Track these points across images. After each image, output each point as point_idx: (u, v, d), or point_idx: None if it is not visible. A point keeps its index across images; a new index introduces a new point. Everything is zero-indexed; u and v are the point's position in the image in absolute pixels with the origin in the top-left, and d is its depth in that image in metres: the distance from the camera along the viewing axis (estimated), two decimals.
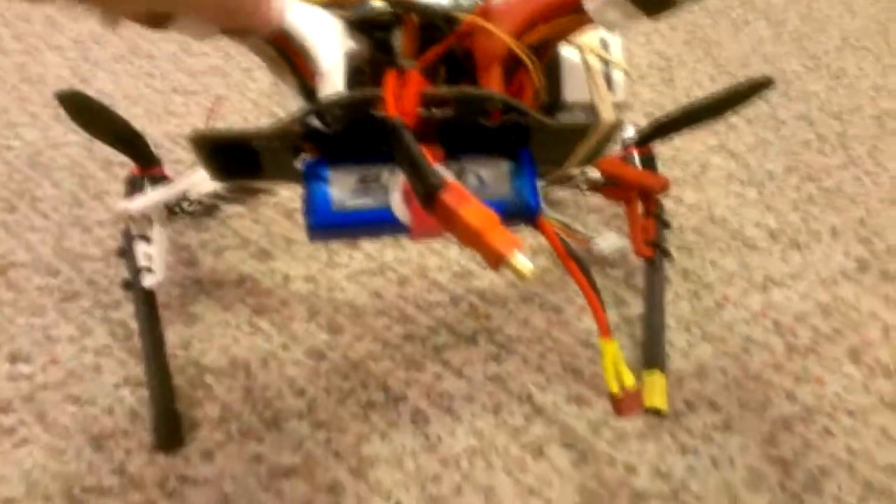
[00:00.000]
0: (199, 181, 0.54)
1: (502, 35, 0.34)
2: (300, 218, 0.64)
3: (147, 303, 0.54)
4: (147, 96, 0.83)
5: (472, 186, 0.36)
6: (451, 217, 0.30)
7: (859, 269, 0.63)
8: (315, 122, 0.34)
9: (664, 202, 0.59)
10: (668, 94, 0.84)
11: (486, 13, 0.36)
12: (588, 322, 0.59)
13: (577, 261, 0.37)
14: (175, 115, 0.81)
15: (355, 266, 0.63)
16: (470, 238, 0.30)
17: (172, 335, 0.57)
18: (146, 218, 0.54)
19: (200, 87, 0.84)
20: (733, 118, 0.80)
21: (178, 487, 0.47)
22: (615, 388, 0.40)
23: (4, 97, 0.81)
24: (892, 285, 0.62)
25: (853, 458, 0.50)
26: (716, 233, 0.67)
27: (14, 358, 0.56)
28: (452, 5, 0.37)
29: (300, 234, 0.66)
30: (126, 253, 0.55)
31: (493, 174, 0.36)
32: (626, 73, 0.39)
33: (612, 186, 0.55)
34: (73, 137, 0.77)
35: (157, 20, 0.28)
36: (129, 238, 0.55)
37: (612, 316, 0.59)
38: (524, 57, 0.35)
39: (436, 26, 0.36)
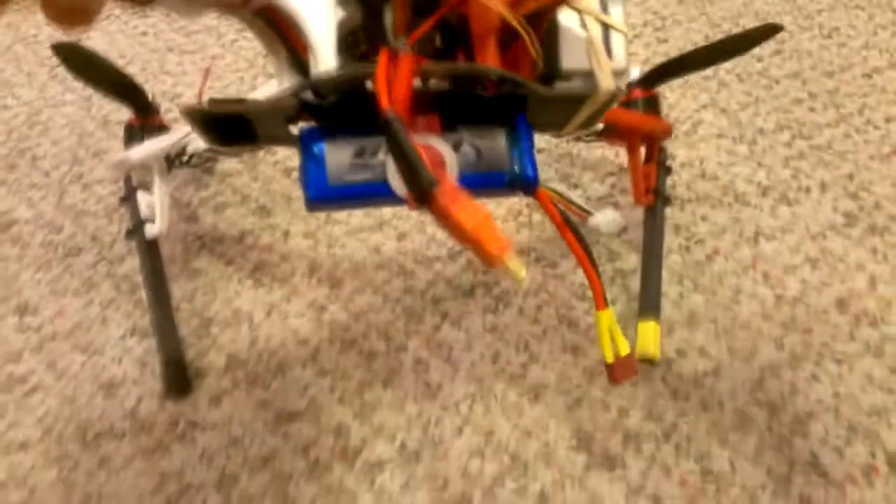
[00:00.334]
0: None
1: (496, 5, 0.34)
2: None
3: (150, 253, 0.55)
4: (142, 56, 0.83)
5: (470, 158, 0.36)
6: (445, 216, 0.30)
7: (847, 223, 0.65)
8: (309, 96, 0.34)
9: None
10: (662, 53, 0.85)
11: None
12: (583, 276, 0.60)
13: (574, 233, 0.38)
14: (171, 74, 0.81)
15: (354, 223, 0.64)
16: (463, 238, 0.30)
17: (176, 289, 0.59)
18: (146, 168, 0.55)
19: (195, 46, 0.84)
20: (725, 76, 0.81)
21: (189, 431, 0.49)
22: (609, 357, 0.41)
23: None
24: (880, 238, 0.63)
25: (839, 402, 0.52)
26: (707, 189, 0.68)
27: (21, 311, 0.57)
28: None
29: (299, 192, 0.67)
30: (128, 201, 0.56)
31: (491, 145, 0.36)
32: (625, 37, 0.39)
33: (614, 132, 0.55)
34: (70, 97, 0.77)
35: None
36: (130, 187, 0.56)
37: (605, 270, 0.61)
38: (519, 28, 0.34)
39: None
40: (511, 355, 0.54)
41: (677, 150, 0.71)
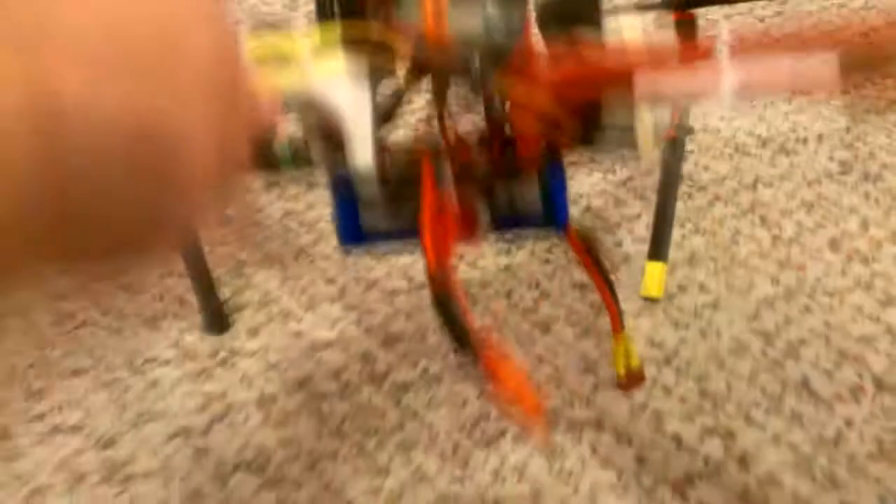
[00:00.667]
0: None
1: (540, 103, 0.34)
2: None
3: None
4: None
5: (503, 203, 0.37)
6: (489, 373, 0.32)
7: (842, 171, 0.68)
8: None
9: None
10: None
11: (527, 58, 0.34)
12: (589, 220, 0.64)
13: (601, 271, 0.41)
14: None
15: None
16: (503, 393, 0.32)
17: (208, 232, 0.63)
18: None
19: None
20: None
21: (229, 357, 0.53)
22: (621, 371, 0.45)
23: None
24: (873, 185, 0.67)
25: (830, 330, 0.56)
26: (709, 141, 0.71)
27: None
28: (497, 35, 0.34)
29: None
30: None
31: (523, 192, 0.37)
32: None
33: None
34: None
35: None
36: None
37: (612, 216, 0.64)
38: (561, 124, 0.35)
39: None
40: (524, 291, 0.58)
41: None
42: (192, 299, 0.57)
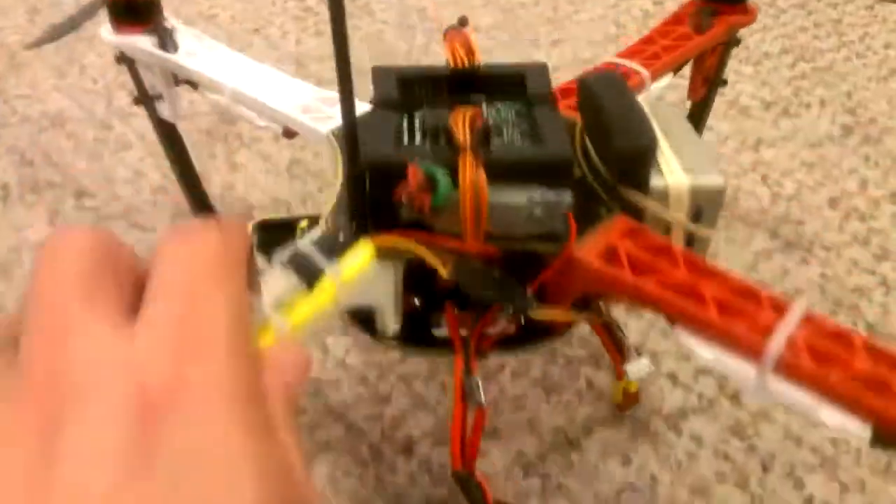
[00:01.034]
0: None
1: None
2: None
3: (171, 138, 0.54)
4: None
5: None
6: None
7: (844, 134, 0.69)
8: None
9: None
10: None
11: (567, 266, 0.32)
12: None
13: (609, 331, 0.43)
14: None
15: None
16: None
17: (219, 178, 0.64)
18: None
19: None
20: None
21: None
22: (619, 400, 0.47)
23: None
24: (873, 147, 0.68)
25: (826, 281, 0.57)
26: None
27: (79, 194, 0.63)
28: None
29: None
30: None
31: None
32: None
33: None
34: None
35: None
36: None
37: None
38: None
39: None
40: None
41: (685, 70, 0.76)
42: None
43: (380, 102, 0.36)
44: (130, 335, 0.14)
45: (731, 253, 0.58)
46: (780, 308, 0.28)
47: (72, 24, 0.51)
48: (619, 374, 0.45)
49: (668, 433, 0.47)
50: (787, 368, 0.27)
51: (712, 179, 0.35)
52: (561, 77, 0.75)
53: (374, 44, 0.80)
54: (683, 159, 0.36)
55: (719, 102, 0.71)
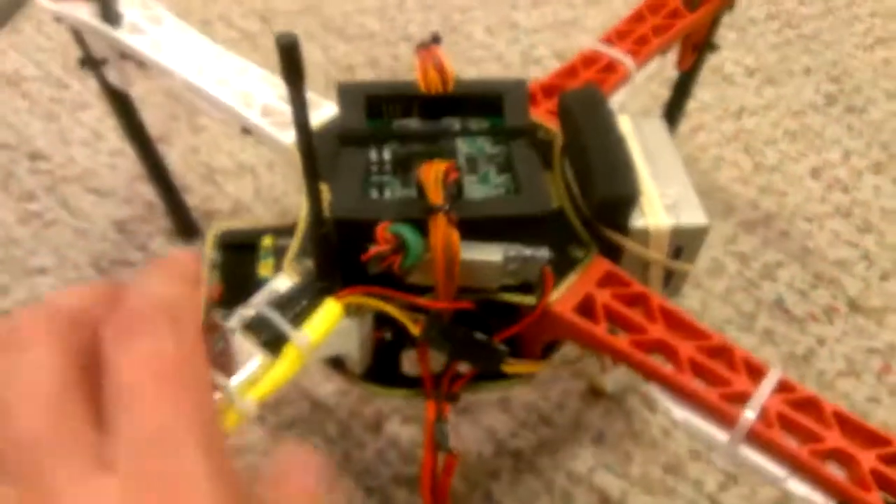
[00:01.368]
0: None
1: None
2: None
3: (122, 105, 0.50)
4: None
5: None
6: None
7: (827, 103, 0.67)
8: None
9: None
10: None
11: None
12: None
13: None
14: None
15: None
16: None
17: (181, 142, 0.61)
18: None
19: None
20: None
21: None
22: (602, 388, 0.46)
23: None
24: (856, 117, 0.66)
25: (806, 254, 0.55)
26: None
27: (34, 156, 0.59)
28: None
29: None
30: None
31: None
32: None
33: None
34: None
35: None
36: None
37: None
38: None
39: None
40: None
41: None
42: (162, 204, 0.56)
43: (346, 138, 0.33)
44: (106, 485, 0.14)
45: (712, 225, 0.57)
46: (755, 372, 0.28)
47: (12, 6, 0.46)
48: (604, 367, 0.43)
49: (643, 410, 0.46)
50: (759, 439, 0.27)
51: (695, 218, 0.33)
52: (541, 39, 0.73)
53: (343, 1, 0.76)
54: (666, 192, 0.34)
55: (702, 69, 0.69)
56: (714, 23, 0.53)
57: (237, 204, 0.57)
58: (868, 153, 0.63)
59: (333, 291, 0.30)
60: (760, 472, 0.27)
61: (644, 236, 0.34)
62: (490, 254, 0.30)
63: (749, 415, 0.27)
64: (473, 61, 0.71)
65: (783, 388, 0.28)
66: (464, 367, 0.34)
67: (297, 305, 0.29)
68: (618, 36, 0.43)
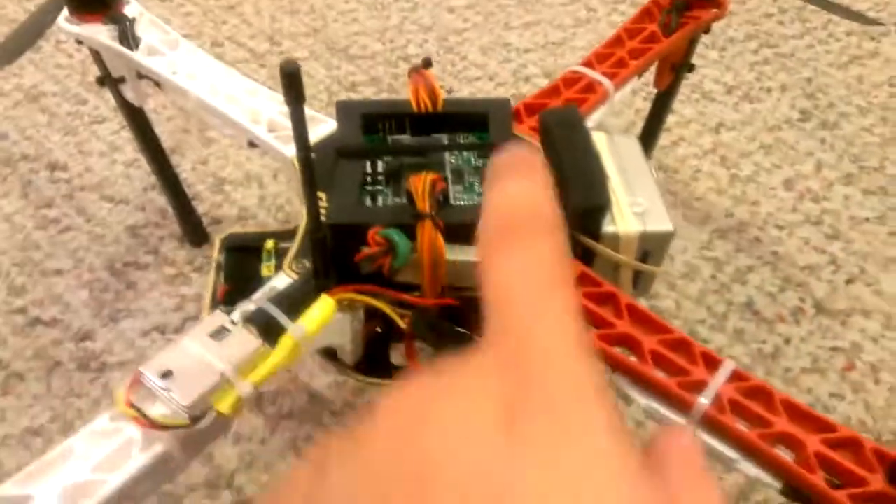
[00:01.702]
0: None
1: None
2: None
3: (137, 120, 0.53)
4: None
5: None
6: None
7: (802, 118, 0.71)
8: None
9: None
10: None
11: None
12: None
13: None
14: None
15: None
16: None
17: (192, 153, 0.65)
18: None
19: None
20: None
21: (206, 265, 0.56)
22: None
23: None
24: (829, 131, 0.70)
25: (777, 259, 0.59)
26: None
27: (52, 167, 0.64)
28: None
29: None
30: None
31: None
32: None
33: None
34: None
35: None
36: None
37: None
38: None
39: None
40: None
41: None
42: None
43: (343, 152, 0.37)
44: None
45: (688, 232, 0.60)
46: (711, 363, 0.31)
47: (36, 31, 0.49)
48: None
49: (618, 403, 0.49)
50: (712, 423, 0.30)
51: (661, 225, 0.37)
52: (531, 59, 0.77)
53: (347, 24, 0.81)
54: (636, 202, 0.38)
55: (682, 86, 0.73)
56: (691, 45, 0.56)
57: (244, 211, 0.60)
58: (839, 165, 0.66)
59: (328, 289, 0.34)
60: (715, 454, 0.30)
61: (615, 241, 0.37)
62: (472, 255, 0.33)
63: (703, 401, 0.30)
64: (468, 80, 0.75)
65: (736, 377, 0.31)
66: None
67: (295, 301, 0.33)
68: (597, 59, 0.47)
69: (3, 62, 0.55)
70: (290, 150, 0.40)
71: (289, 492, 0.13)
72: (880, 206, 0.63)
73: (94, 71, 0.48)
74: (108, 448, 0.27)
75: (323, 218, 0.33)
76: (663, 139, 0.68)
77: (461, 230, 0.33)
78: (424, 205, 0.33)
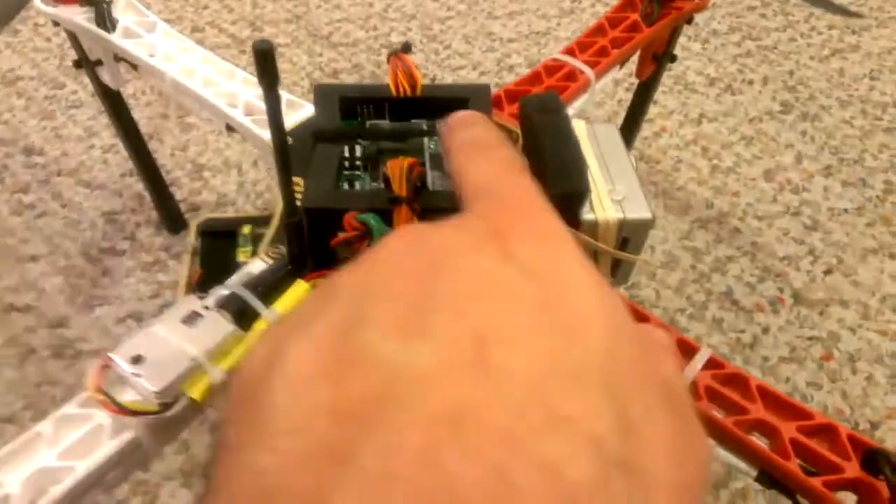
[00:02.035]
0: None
1: None
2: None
3: (114, 104, 0.53)
4: None
5: None
6: None
7: (783, 111, 0.71)
8: None
9: None
10: None
11: None
12: None
13: None
14: None
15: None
16: None
17: (171, 139, 0.64)
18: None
19: None
20: None
21: (183, 252, 0.55)
22: None
23: None
24: (810, 123, 0.70)
25: (756, 250, 0.59)
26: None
27: (28, 151, 0.63)
28: None
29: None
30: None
31: None
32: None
33: None
34: None
35: None
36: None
37: None
38: None
39: None
40: None
41: None
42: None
43: (320, 135, 0.37)
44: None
45: (667, 222, 0.61)
46: (688, 350, 0.31)
47: (11, 10, 0.48)
48: None
49: None
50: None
51: (640, 212, 0.37)
52: (515, 49, 0.77)
53: (329, 10, 0.80)
54: (615, 190, 0.38)
55: (665, 78, 0.73)
56: (673, 35, 0.56)
57: (223, 198, 0.60)
58: (819, 157, 0.67)
59: (304, 274, 0.33)
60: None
61: (594, 228, 0.38)
62: None
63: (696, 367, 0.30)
64: (451, 69, 0.75)
65: (712, 365, 0.31)
66: None
67: (270, 286, 0.33)
68: (579, 47, 0.47)
69: None
70: (268, 135, 0.40)
71: (301, 311, 0.13)
72: (859, 197, 0.63)
73: (73, 55, 0.48)
74: (77, 434, 0.27)
75: (299, 202, 0.33)
76: (645, 130, 0.69)
77: (438, 215, 0.32)
78: (401, 189, 0.32)
